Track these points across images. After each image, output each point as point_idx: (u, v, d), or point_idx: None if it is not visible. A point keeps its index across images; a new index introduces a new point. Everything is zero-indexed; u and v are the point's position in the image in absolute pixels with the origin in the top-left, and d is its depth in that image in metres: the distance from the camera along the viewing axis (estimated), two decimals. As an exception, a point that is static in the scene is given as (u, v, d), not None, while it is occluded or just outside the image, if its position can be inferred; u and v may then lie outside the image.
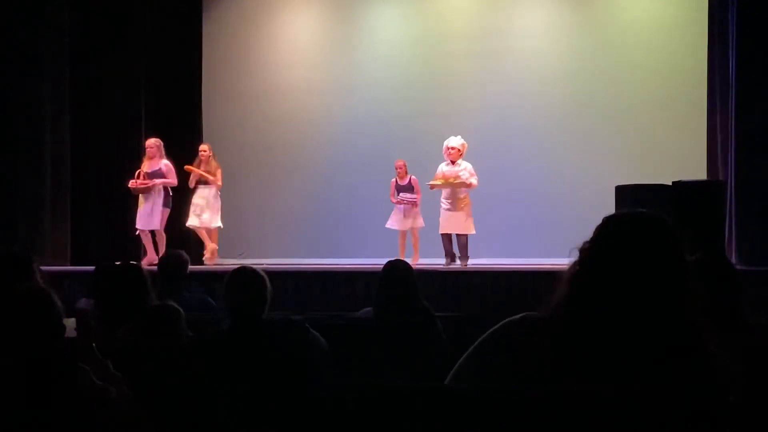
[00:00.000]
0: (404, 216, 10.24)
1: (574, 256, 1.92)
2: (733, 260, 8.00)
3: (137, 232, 10.13)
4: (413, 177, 10.24)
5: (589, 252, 1.91)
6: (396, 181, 10.28)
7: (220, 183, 10.32)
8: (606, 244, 1.90)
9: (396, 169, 10.30)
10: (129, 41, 10.98)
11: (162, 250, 9.73)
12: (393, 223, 10.30)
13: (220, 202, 10.39)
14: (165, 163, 9.96)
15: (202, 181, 10.23)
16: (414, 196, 10.16)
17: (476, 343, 2.00)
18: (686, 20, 11.26)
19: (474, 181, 9.80)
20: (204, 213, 10.26)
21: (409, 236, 10.31)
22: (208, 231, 10.40)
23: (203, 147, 10.33)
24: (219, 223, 10.39)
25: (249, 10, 12.62)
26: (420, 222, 10.24)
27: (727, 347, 1.95)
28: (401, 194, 10.20)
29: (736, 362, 1.90)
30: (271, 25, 12.65)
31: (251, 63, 12.60)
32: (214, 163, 10.30)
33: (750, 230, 8.76)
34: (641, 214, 1.94)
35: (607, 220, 1.94)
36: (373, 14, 12.52)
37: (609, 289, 1.85)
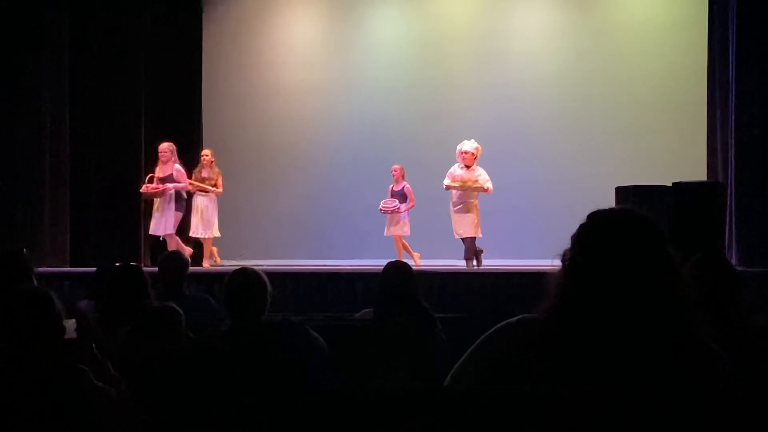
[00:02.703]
0: (390, 223, 10.21)
1: (562, 257, 1.93)
2: (733, 261, 8.00)
3: (161, 238, 10.14)
4: (407, 185, 10.17)
5: (573, 251, 1.92)
6: (392, 187, 10.24)
7: (220, 190, 10.30)
8: (588, 243, 1.91)
9: (392, 172, 10.26)
10: (129, 42, 10.98)
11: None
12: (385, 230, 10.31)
13: (217, 211, 10.36)
14: (177, 168, 9.97)
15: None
16: (395, 203, 10.08)
17: (474, 345, 2.00)
18: (686, 21, 11.26)
19: (490, 185, 9.78)
20: (201, 222, 10.21)
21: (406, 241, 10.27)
22: (205, 239, 10.36)
23: (206, 152, 10.33)
24: (216, 233, 10.33)
25: (249, 12, 12.62)
26: (405, 230, 10.15)
27: (727, 347, 1.95)
28: (382, 202, 10.16)
29: (736, 362, 1.90)
30: (271, 27, 12.65)
31: (251, 64, 12.60)
32: (216, 169, 10.30)
33: (750, 231, 8.76)
34: (622, 211, 1.95)
35: (589, 219, 1.95)
36: (373, 16, 12.52)
37: (595, 287, 1.86)
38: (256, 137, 12.40)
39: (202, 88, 11.95)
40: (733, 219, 8.88)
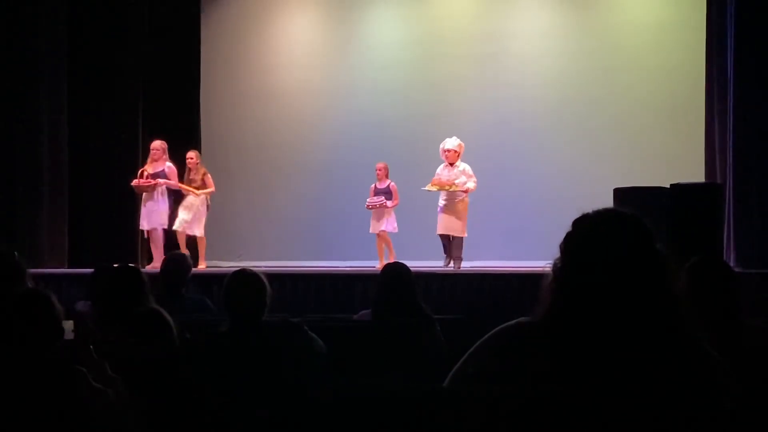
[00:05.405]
0: (373, 218, 10.16)
1: (552, 267, 1.93)
2: (732, 263, 8.00)
3: (145, 235, 10.11)
4: (392, 183, 10.13)
5: (562, 260, 1.92)
6: (375, 185, 10.20)
7: (211, 189, 10.24)
8: (575, 250, 1.91)
9: (376, 170, 10.24)
10: (127, 42, 10.97)
11: (160, 249, 9.70)
12: (370, 227, 10.28)
13: (206, 211, 10.30)
14: (168, 166, 9.97)
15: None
16: (380, 198, 10.00)
17: (473, 348, 2.01)
18: (684, 22, 11.26)
19: (471, 184, 9.74)
20: (187, 219, 10.17)
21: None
22: (190, 239, 10.30)
23: (190, 154, 10.24)
24: (200, 232, 10.19)
25: (247, 12, 12.62)
26: (390, 227, 10.08)
27: (725, 350, 1.96)
28: (369, 198, 10.15)
29: (735, 364, 1.90)
30: (269, 27, 12.65)
31: (249, 65, 12.60)
32: (201, 170, 10.24)
33: (748, 233, 8.77)
34: (604, 213, 1.95)
35: (573, 225, 1.96)
36: (371, 16, 12.52)
37: (586, 293, 1.86)
38: (254, 138, 12.40)
39: (201, 88, 11.94)
40: (731, 220, 8.88)
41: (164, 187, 9.93)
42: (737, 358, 2.10)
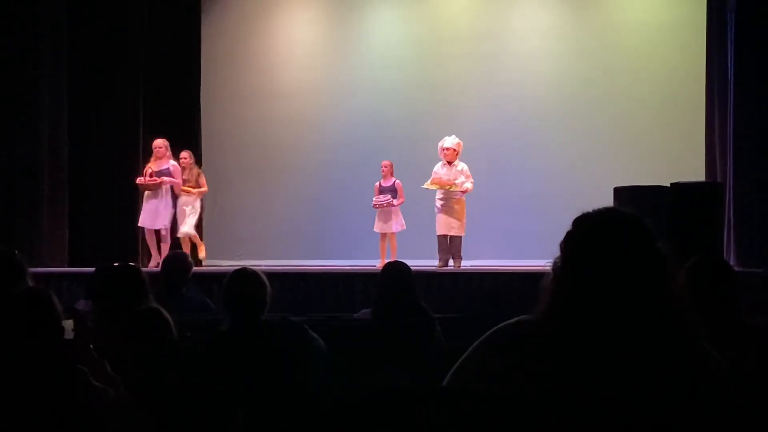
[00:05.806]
0: (380, 219, 10.15)
1: (553, 266, 1.94)
2: (732, 262, 8.00)
3: (146, 233, 10.14)
4: (398, 181, 10.13)
5: (562, 258, 1.92)
6: (380, 183, 10.21)
7: (204, 189, 10.27)
8: (575, 248, 1.91)
9: (381, 168, 10.23)
10: (127, 42, 10.98)
11: (166, 250, 9.70)
12: (375, 225, 10.28)
13: (200, 209, 10.31)
14: (173, 164, 9.98)
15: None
16: (387, 197, 10.01)
17: (473, 346, 2.01)
18: (685, 22, 11.26)
19: (469, 185, 9.75)
20: (185, 219, 10.18)
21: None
22: (190, 237, 10.32)
23: (184, 154, 10.25)
24: (192, 230, 10.24)
25: (247, 12, 12.62)
26: (398, 226, 10.08)
27: (726, 350, 1.96)
28: (375, 197, 10.14)
29: (735, 364, 1.90)
30: (269, 27, 12.66)
31: (250, 64, 12.60)
32: (195, 170, 10.27)
33: (748, 232, 8.77)
34: (605, 212, 1.96)
35: (574, 224, 1.96)
36: (371, 16, 12.52)
37: (586, 292, 1.86)
38: (254, 137, 12.40)
39: (201, 87, 11.95)
40: (732, 220, 8.89)
41: (168, 186, 9.95)
42: (737, 358, 2.10)
